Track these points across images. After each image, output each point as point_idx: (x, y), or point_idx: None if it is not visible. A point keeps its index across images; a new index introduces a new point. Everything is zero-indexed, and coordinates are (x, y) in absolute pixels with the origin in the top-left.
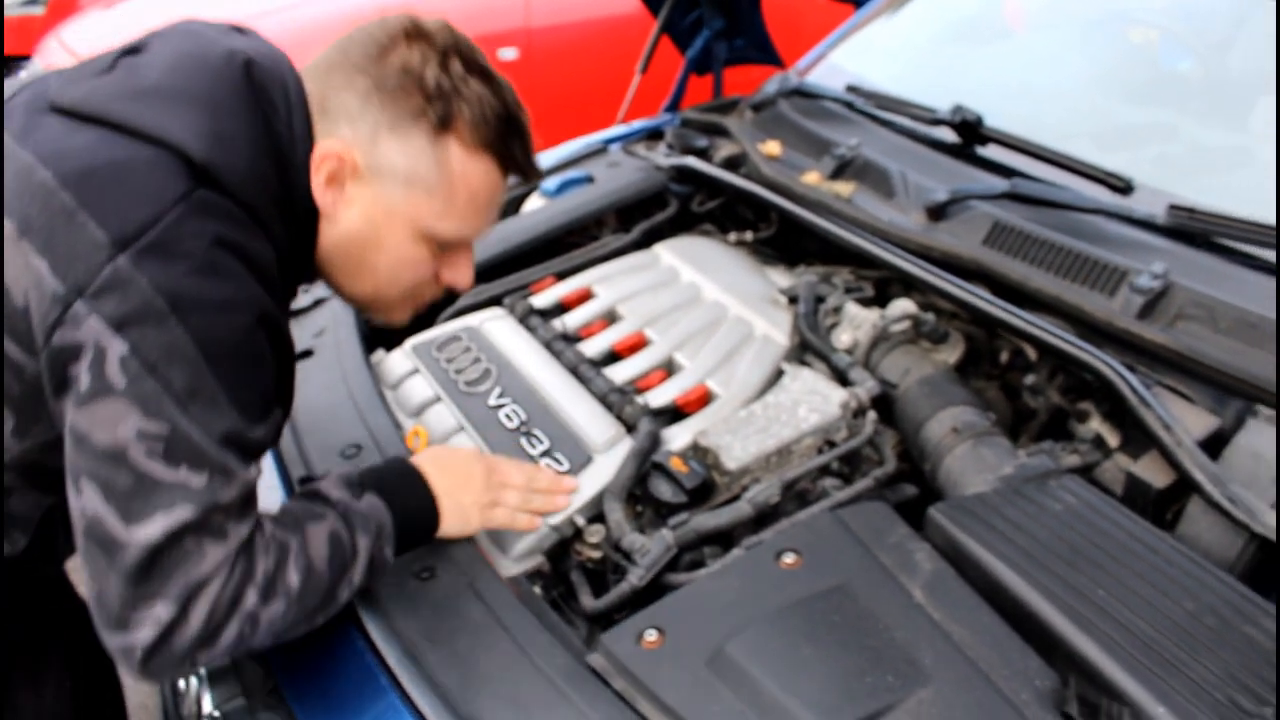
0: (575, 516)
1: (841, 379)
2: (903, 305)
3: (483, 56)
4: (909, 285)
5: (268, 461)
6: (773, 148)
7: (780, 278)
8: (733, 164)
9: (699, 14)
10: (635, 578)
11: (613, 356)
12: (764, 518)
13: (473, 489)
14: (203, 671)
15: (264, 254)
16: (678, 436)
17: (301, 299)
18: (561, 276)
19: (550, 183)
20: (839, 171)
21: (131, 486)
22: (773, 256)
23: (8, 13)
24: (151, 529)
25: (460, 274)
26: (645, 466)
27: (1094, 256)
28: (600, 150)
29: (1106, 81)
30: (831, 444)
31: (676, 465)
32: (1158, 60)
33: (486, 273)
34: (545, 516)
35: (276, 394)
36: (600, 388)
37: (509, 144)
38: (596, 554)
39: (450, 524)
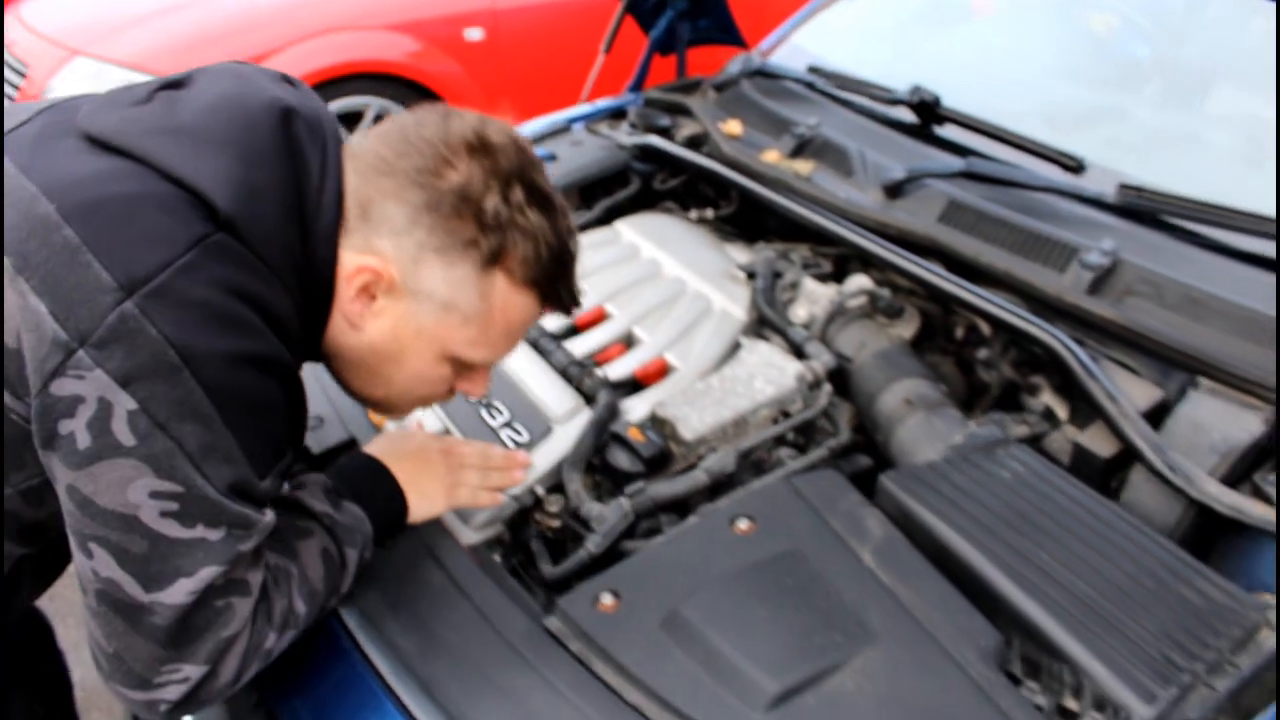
0: (535, 486)
1: (798, 352)
2: (859, 281)
3: (545, 178)
4: (866, 262)
5: None
6: (734, 127)
7: (739, 254)
8: (694, 143)
9: None
10: (593, 545)
11: (573, 330)
12: (720, 486)
13: (434, 473)
14: None
15: (283, 308)
16: (636, 408)
17: None
18: None
19: None
20: (798, 150)
21: (148, 551)
22: (733, 233)
23: None
24: (176, 593)
25: (476, 388)
26: (604, 437)
27: (1045, 234)
28: (564, 129)
29: (1063, 65)
30: (787, 415)
31: (634, 435)
32: (1114, 46)
33: None
34: (505, 490)
35: (288, 438)
36: (560, 360)
37: (555, 282)
38: (556, 523)
39: (418, 512)
